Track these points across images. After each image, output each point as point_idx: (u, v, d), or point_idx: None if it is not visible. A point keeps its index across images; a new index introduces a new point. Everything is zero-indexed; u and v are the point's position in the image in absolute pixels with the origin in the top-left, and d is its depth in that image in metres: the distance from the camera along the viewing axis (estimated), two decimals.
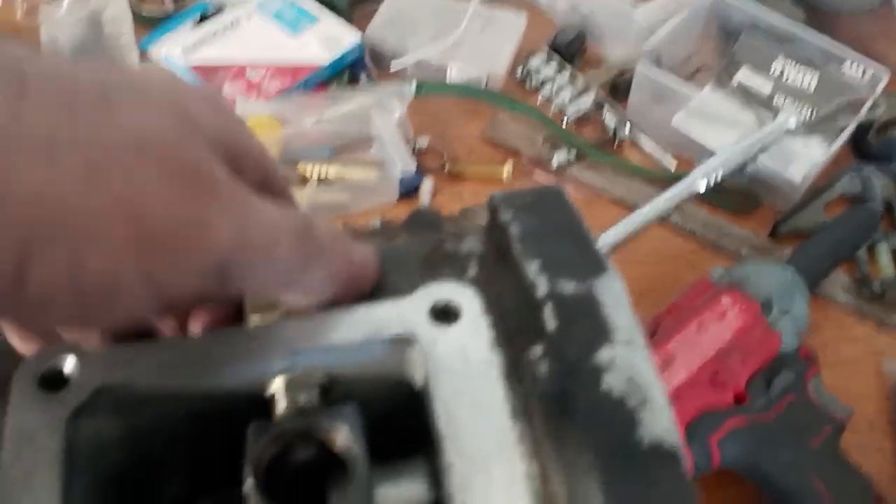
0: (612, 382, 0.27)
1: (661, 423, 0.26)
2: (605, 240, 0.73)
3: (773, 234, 0.80)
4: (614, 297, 0.29)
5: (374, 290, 0.35)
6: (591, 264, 0.30)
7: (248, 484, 0.28)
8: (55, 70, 0.25)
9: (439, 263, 0.35)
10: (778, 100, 0.85)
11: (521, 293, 0.30)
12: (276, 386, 0.31)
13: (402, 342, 0.31)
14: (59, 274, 0.24)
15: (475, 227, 0.37)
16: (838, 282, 0.77)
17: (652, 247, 0.79)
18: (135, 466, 0.32)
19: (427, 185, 0.81)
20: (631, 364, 0.27)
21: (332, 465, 0.30)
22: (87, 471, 0.29)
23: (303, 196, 0.80)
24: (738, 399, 0.62)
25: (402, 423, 0.32)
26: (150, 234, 0.25)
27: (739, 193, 0.82)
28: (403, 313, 0.31)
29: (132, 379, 0.30)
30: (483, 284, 0.33)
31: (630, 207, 0.83)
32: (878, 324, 0.75)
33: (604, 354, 0.28)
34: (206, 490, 0.34)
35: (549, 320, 0.28)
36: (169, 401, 0.31)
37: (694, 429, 0.60)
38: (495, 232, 0.34)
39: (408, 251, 0.36)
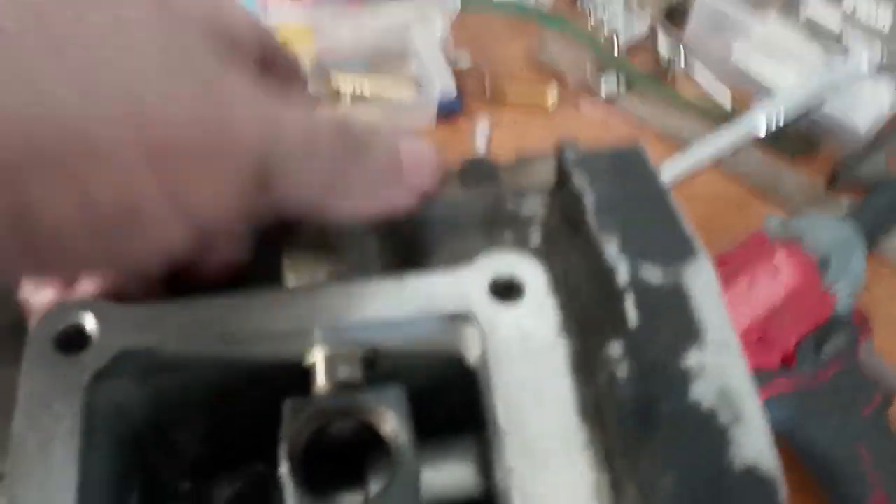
0: (702, 392, 0.24)
1: (756, 443, 0.23)
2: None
3: (831, 183, 0.76)
4: (705, 287, 0.26)
5: (424, 253, 0.32)
6: (679, 245, 0.27)
7: (284, 468, 0.25)
8: None
9: (498, 225, 0.32)
10: (847, 37, 0.79)
11: (596, 275, 0.27)
12: (316, 358, 0.28)
13: (458, 320, 0.27)
14: (68, 204, 0.21)
15: (538, 184, 0.33)
16: (894, 239, 0.73)
17: (698, 188, 0.75)
18: (155, 427, 0.30)
19: (483, 129, 0.77)
20: (723, 371, 0.24)
21: (372, 443, 0.28)
22: (105, 436, 0.27)
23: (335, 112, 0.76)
24: (786, 361, 0.59)
25: (449, 398, 0.29)
26: (166, 143, 0.21)
27: (797, 137, 0.78)
28: (460, 286, 0.28)
29: (157, 343, 0.27)
30: (548, 256, 0.29)
31: (680, 144, 0.78)
32: None
33: (693, 358, 0.24)
34: (226, 459, 0.31)
35: (631, 314, 0.25)
36: (196, 368, 0.28)
37: None
38: (565, 196, 0.30)
39: (463, 207, 0.33)
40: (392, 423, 0.26)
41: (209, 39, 0.24)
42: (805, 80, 0.73)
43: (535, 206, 0.32)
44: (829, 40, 0.79)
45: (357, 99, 0.79)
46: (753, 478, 0.23)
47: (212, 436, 0.31)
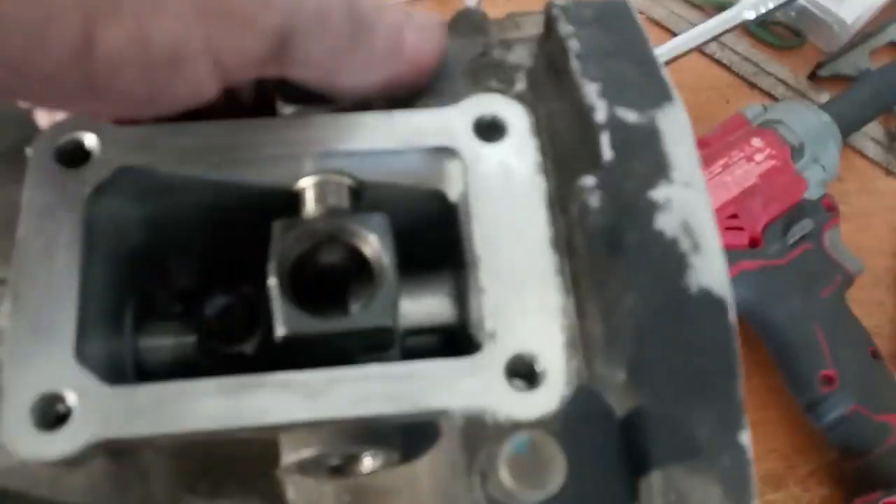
0: (666, 223, 0.26)
1: (712, 270, 0.25)
2: None
3: (814, 75, 0.77)
4: (678, 130, 0.27)
5: (411, 98, 0.33)
6: (656, 91, 0.28)
7: (272, 281, 0.27)
8: None
9: (485, 72, 0.33)
10: None
11: (575, 117, 0.28)
12: (306, 184, 0.29)
13: (442, 154, 0.29)
14: (126, 39, 0.23)
15: (526, 37, 0.34)
16: (870, 133, 0.75)
17: (686, 75, 0.76)
18: (150, 249, 0.32)
19: None
20: (687, 206, 0.26)
21: (355, 269, 0.29)
22: (103, 250, 0.28)
23: None
24: (754, 243, 0.61)
25: (430, 234, 0.31)
26: (213, 4, 0.24)
27: (784, 28, 0.78)
28: (446, 123, 0.29)
29: (154, 162, 0.28)
30: (532, 102, 0.31)
31: (669, 30, 0.79)
32: None
33: (660, 192, 0.26)
34: (215, 281, 0.33)
35: (606, 149, 0.27)
36: (190, 189, 0.30)
37: None
38: (551, 45, 0.31)
39: (452, 55, 0.34)
40: (375, 246, 0.28)
41: None
42: None
43: (521, 55, 0.33)
44: None
45: None
46: (707, 298, 0.25)
47: (203, 262, 0.33)
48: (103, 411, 0.24)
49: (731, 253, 0.60)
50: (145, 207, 0.30)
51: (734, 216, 0.61)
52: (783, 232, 0.62)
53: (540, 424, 0.24)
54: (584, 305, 0.26)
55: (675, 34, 0.77)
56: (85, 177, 0.28)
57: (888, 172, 0.75)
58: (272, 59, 0.26)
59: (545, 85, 0.31)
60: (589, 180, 0.26)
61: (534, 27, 0.36)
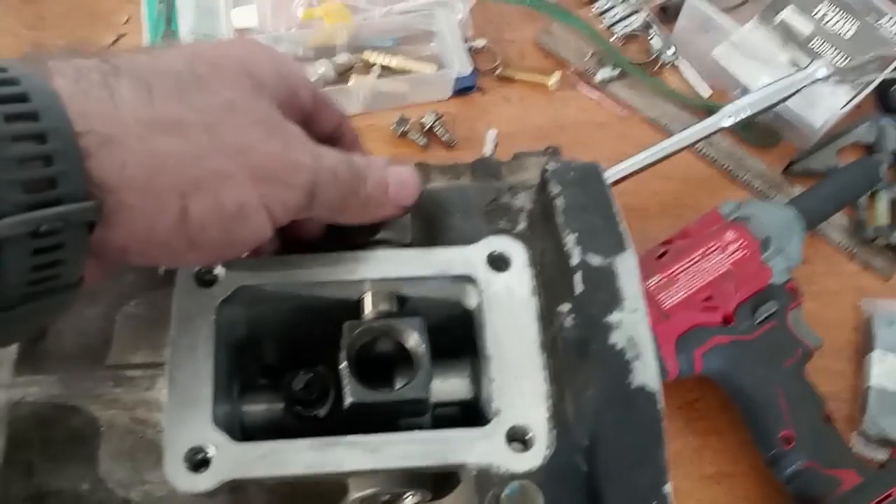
0: (618, 338, 0.37)
1: (648, 372, 0.36)
2: (640, 160, 0.81)
3: (787, 171, 0.88)
4: (628, 272, 0.39)
5: (443, 227, 0.44)
6: (615, 241, 0.40)
7: (343, 364, 0.39)
8: (161, 64, 0.34)
9: (497, 213, 0.44)
10: (815, 42, 0.90)
11: (559, 257, 0.40)
12: (367, 296, 0.41)
13: (464, 280, 0.41)
14: (208, 209, 0.33)
15: (527, 183, 0.46)
16: (836, 223, 0.85)
17: (676, 168, 0.86)
18: (250, 340, 0.43)
19: (491, 136, 0.88)
20: (633, 326, 0.37)
21: (400, 357, 0.41)
22: (224, 344, 0.40)
23: (365, 82, 0.88)
24: (726, 320, 0.72)
25: (450, 333, 0.42)
26: (262, 173, 0.34)
27: (763, 129, 0.90)
28: (467, 258, 0.41)
29: (262, 282, 0.40)
30: (529, 238, 0.42)
31: (662, 128, 0.90)
32: (865, 265, 0.84)
33: (614, 316, 0.38)
34: (290, 360, 0.44)
35: (578, 284, 0.38)
36: (285, 299, 0.41)
37: (684, 341, 0.70)
38: (544, 197, 0.43)
39: (472, 196, 0.46)
40: (414, 339, 0.39)
41: (279, 99, 0.37)
42: (773, 80, 0.84)
43: (524, 200, 0.45)
44: (799, 45, 0.91)
45: (385, 71, 0.90)
46: (643, 392, 0.36)
47: (287, 349, 0.45)
48: (232, 459, 0.36)
49: (707, 329, 0.71)
50: (251, 311, 0.42)
51: (710, 298, 0.72)
52: (752, 312, 0.72)
53: (528, 476, 0.36)
54: (562, 392, 0.38)
55: (667, 132, 0.89)
56: (215, 294, 0.40)
57: (851, 257, 0.85)
58: (305, 206, 0.37)
59: (540, 225, 0.43)
60: (566, 306, 0.38)
61: (535, 168, 0.47)
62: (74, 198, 0.28)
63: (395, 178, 0.41)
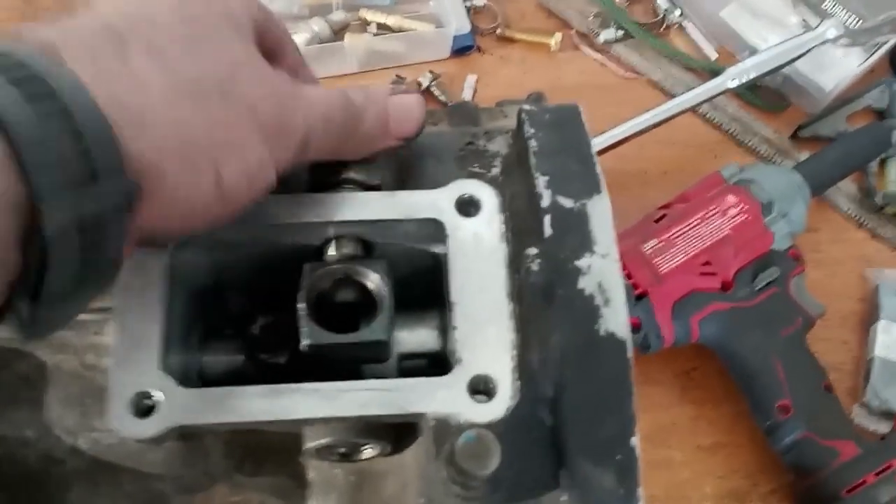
0: (586, 283, 0.35)
1: (617, 319, 0.34)
2: (639, 123, 0.78)
3: (794, 136, 0.85)
4: (601, 215, 0.37)
5: (414, 172, 0.42)
6: (590, 184, 0.38)
7: (301, 307, 0.37)
8: (153, 14, 0.33)
9: (470, 158, 0.42)
10: (828, 3, 0.87)
11: (529, 200, 0.38)
12: (331, 240, 0.39)
13: (430, 224, 0.39)
14: (238, 171, 0.33)
15: (505, 128, 0.44)
16: (844, 190, 0.83)
17: (680, 132, 0.84)
18: (214, 287, 0.42)
19: (470, 82, 0.86)
20: (603, 272, 0.35)
21: (363, 303, 0.39)
22: (180, 289, 0.38)
23: (361, 41, 0.86)
24: (725, 287, 0.69)
25: (420, 283, 0.40)
26: (269, 131, 0.35)
27: (770, 92, 0.87)
28: (435, 201, 0.39)
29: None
30: (502, 184, 0.40)
31: (666, 91, 0.88)
32: (872, 234, 0.82)
33: (584, 261, 0.35)
34: (259, 310, 0.43)
35: (547, 227, 0.36)
36: (246, 245, 0.40)
37: (680, 307, 0.68)
38: (519, 141, 0.41)
39: (447, 141, 0.44)
40: (377, 282, 0.38)
41: (256, 39, 0.37)
42: (782, 41, 0.81)
43: (500, 145, 0.43)
44: (810, 6, 0.88)
45: (382, 29, 0.88)
46: (612, 339, 0.34)
47: (251, 295, 0.43)
48: (179, 406, 0.34)
49: (705, 295, 0.69)
50: (212, 257, 0.40)
51: (708, 263, 0.69)
52: (752, 278, 0.70)
53: (489, 427, 0.34)
54: (527, 341, 0.36)
55: (671, 95, 0.86)
56: None
57: (859, 225, 0.82)
58: (300, 152, 0.36)
59: (513, 170, 0.41)
60: (533, 250, 0.36)
61: (515, 118, 0.45)
62: (117, 186, 0.29)
63: (396, 109, 0.40)
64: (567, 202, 0.37)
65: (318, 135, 0.37)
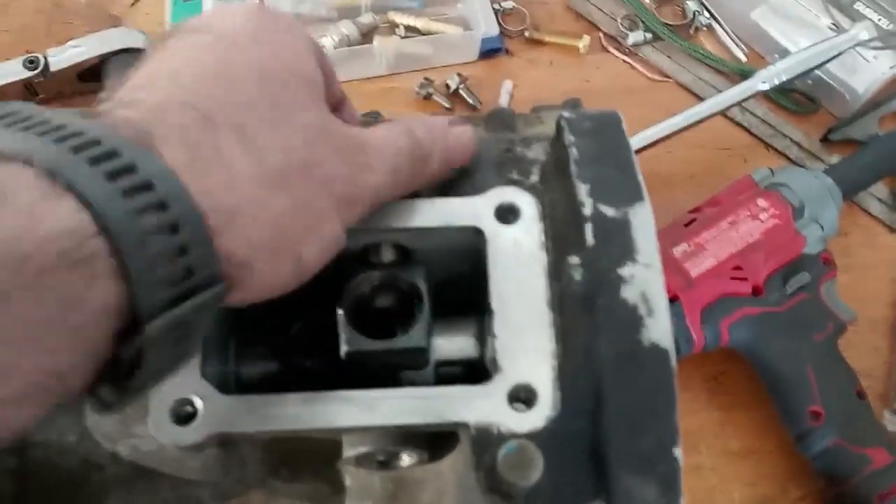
0: (629, 293, 0.35)
1: (660, 329, 0.34)
2: (669, 126, 0.78)
3: (825, 139, 0.84)
4: (644, 224, 0.36)
5: (452, 180, 0.42)
6: (631, 191, 0.37)
7: (340, 312, 0.37)
8: (233, 92, 0.32)
9: (509, 165, 0.42)
10: (860, 5, 0.87)
11: (570, 208, 0.37)
12: (369, 246, 0.39)
13: (470, 231, 0.38)
14: (317, 250, 0.33)
15: (543, 135, 0.44)
16: (875, 193, 0.82)
17: (707, 134, 0.83)
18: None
19: (507, 87, 0.86)
20: (646, 281, 0.35)
21: (401, 314, 0.39)
22: None
23: (390, 44, 0.85)
24: (756, 291, 0.69)
25: (456, 290, 0.40)
26: (344, 204, 0.34)
27: (800, 95, 0.86)
28: (474, 209, 0.39)
29: None
30: (541, 192, 0.40)
31: (695, 94, 0.87)
32: None
33: (626, 270, 0.35)
34: (295, 315, 0.43)
35: (589, 236, 0.36)
36: None
37: (710, 311, 0.67)
38: (558, 148, 0.40)
39: (484, 149, 0.43)
40: (416, 288, 0.38)
41: (326, 96, 0.36)
42: (813, 44, 0.81)
43: (538, 152, 0.43)
44: (841, 9, 0.87)
45: (410, 32, 0.88)
46: (656, 349, 0.34)
47: (286, 299, 0.43)
48: (219, 413, 0.34)
49: (735, 300, 0.68)
50: None
51: (738, 268, 0.69)
52: (783, 282, 0.69)
53: (529, 437, 0.34)
54: (568, 350, 0.35)
55: (700, 97, 0.86)
56: None
57: (891, 230, 0.82)
58: (371, 209, 0.36)
59: (552, 178, 0.40)
60: (574, 259, 0.36)
61: (553, 121, 0.45)
62: (209, 283, 0.28)
63: (455, 142, 0.40)
64: (609, 210, 0.37)
65: (387, 189, 0.36)
